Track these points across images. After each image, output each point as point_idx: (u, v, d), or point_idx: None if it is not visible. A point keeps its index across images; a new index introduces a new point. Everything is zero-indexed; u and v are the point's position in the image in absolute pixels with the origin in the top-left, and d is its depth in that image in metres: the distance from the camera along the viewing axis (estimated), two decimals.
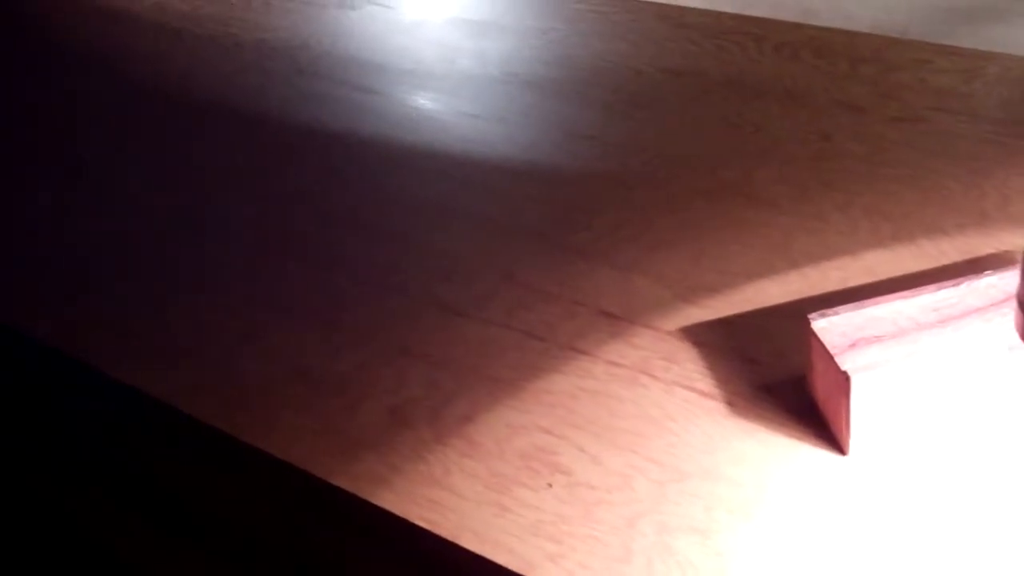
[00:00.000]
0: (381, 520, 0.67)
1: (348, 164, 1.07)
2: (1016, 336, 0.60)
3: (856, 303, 0.67)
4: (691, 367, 0.74)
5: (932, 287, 0.68)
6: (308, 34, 1.37)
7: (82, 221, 1.03)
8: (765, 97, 1.07)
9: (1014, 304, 0.55)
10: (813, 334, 0.66)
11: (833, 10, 1.60)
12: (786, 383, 0.71)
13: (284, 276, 0.90)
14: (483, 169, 1.02)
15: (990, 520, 0.60)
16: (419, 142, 1.08)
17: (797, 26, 1.21)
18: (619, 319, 0.80)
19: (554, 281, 0.85)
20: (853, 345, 0.64)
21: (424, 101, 1.16)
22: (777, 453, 0.66)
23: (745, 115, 1.04)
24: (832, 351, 0.64)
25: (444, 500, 0.67)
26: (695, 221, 0.90)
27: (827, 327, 0.66)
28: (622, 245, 0.88)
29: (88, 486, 0.89)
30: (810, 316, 0.67)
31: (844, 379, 0.62)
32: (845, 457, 0.65)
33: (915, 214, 0.86)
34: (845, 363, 0.63)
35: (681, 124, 1.05)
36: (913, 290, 0.68)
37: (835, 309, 0.67)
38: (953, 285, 0.68)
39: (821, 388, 0.67)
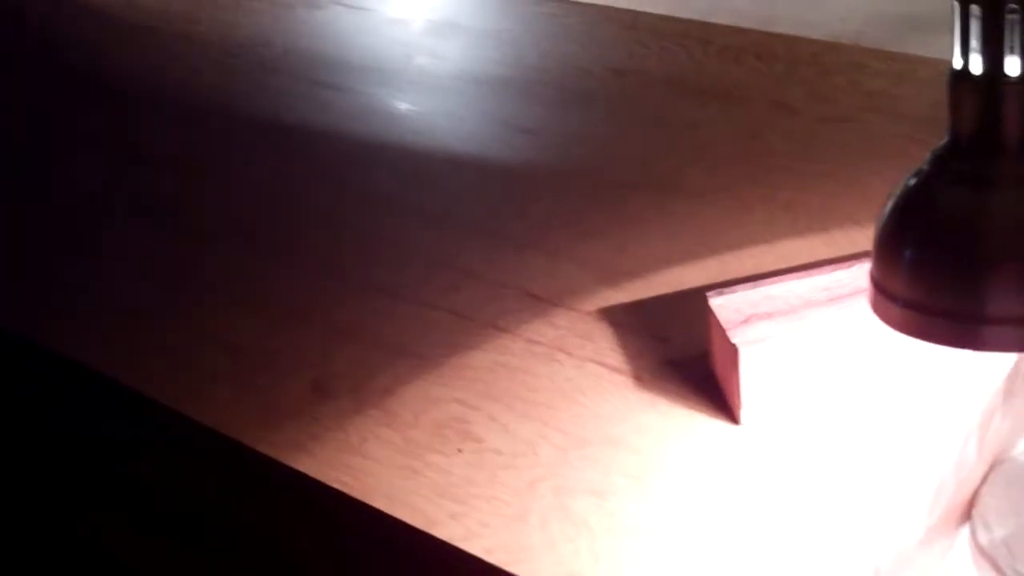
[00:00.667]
0: (301, 484, 0.71)
1: (300, 155, 1.11)
2: None
3: (753, 282, 0.71)
4: (604, 345, 0.78)
5: (827, 268, 0.71)
6: (274, 32, 1.41)
7: (30, 208, 1.07)
8: (703, 96, 1.11)
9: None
10: (710, 310, 0.70)
11: (793, 19, 1.65)
12: (691, 359, 0.75)
13: (225, 259, 0.94)
14: (428, 161, 1.06)
15: (867, 482, 0.64)
16: (371, 135, 1.12)
17: (743, 31, 1.25)
18: (542, 300, 0.83)
19: (485, 265, 0.88)
20: (746, 321, 0.68)
21: (380, 96, 1.20)
22: (677, 423, 0.70)
23: (682, 113, 1.08)
24: (725, 326, 0.68)
25: (359, 465, 0.70)
26: (624, 212, 0.93)
27: (723, 304, 0.70)
28: (553, 233, 0.92)
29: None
30: (708, 294, 0.71)
31: (734, 351, 0.66)
32: (738, 427, 0.68)
33: (833, 207, 0.90)
34: (736, 337, 0.66)
35: (620, 120, 1.09)
36: (808, 271, 0.71)
37: (732, 288, 0.71)
38: (846, 267, 0.71)
39: (718, 362, 0.71)
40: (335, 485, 0.69)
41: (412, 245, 0.93)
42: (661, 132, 1.05)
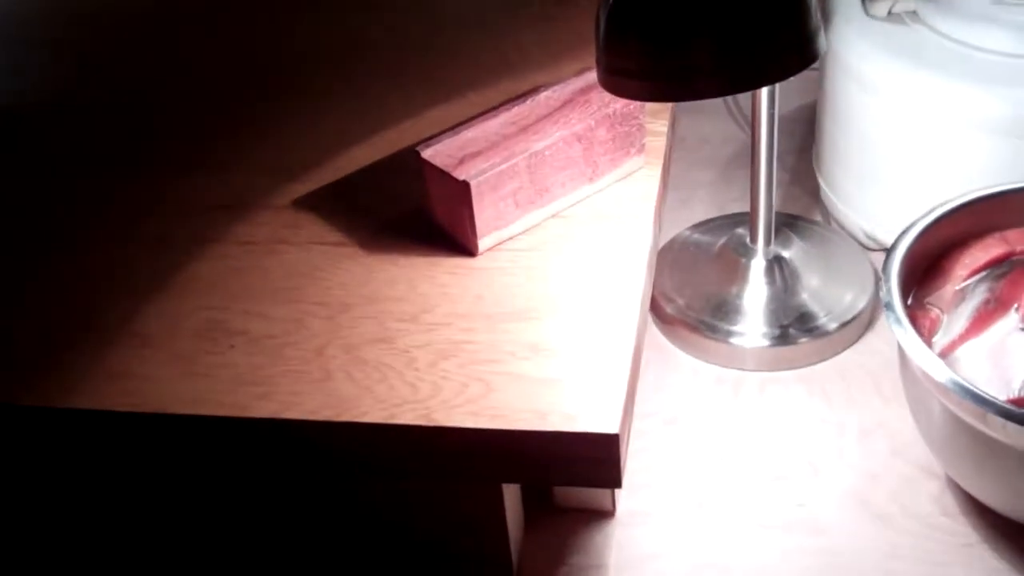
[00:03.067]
0: (85, 421, 0.69)
1: None
2: (575, 123, 0.75)
3: (452, 131, 0.79)
4: (318, 228, 0.82)
5: (505, 107, 0.81)
6: None
7: None
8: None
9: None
10: (425, 161, 0.77)
11: None
12: (404, 220, 0.81)
13: None
14: None
15: (597, 267, 0.75)
16: None
17: None
18: (234, 207, 0.85)
19: (153, 196, 0.89)
20: (461, 162, 0.76)
21: None
22: (421, 270, 0.77)
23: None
24: (447, 170, 0.75)
25: (137, 387, 0.70)
26: (263, 122, 0.96)
27: (435, 153, 0.77)
28: (200, 152, 0.93)
29: None
30: (418, 148, 0.77)
31: (464, 188, 0.74)
32: (477, 257, 0.77)
33: (457, 80, 0.98)
34: (461, 176, 0.74)
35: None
36: (491, 113, 0.80)
37: (436, 138, 0.78)
38: (520, 103, 0.81)
39: (441, 208, 0.78)
40: (124, 409, 0.69)
41: (62, 193, 0.90)
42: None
